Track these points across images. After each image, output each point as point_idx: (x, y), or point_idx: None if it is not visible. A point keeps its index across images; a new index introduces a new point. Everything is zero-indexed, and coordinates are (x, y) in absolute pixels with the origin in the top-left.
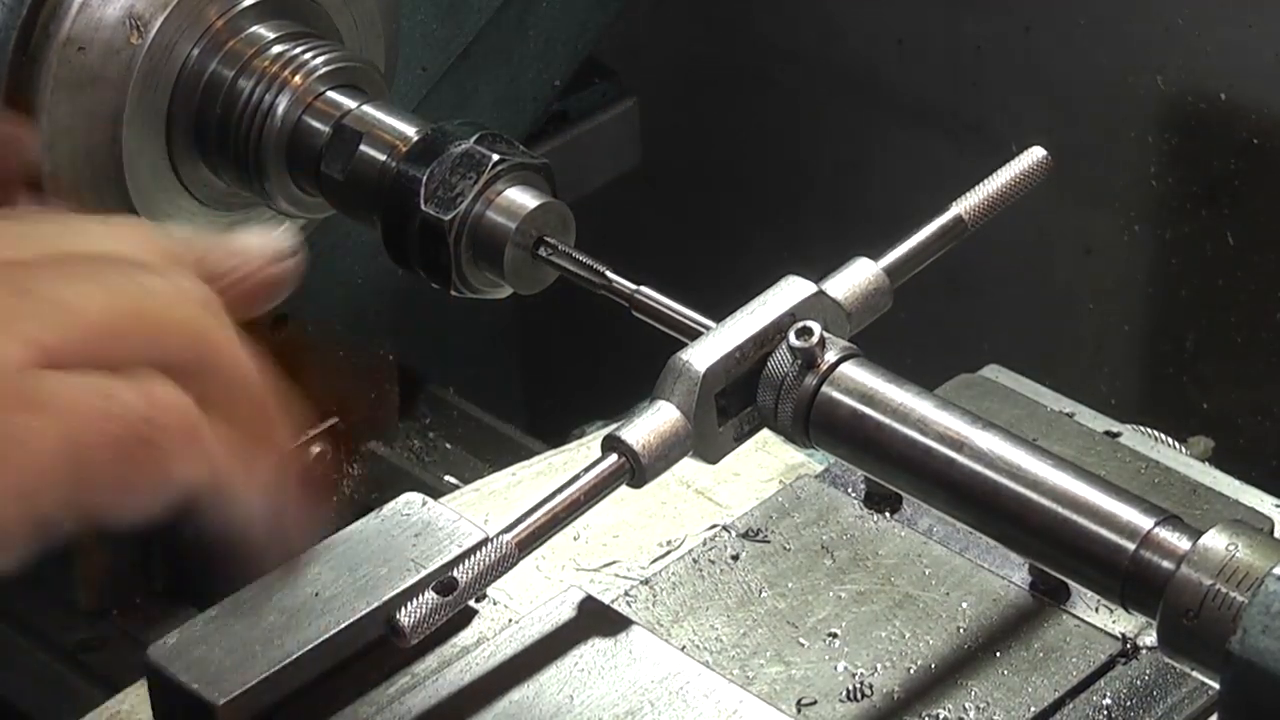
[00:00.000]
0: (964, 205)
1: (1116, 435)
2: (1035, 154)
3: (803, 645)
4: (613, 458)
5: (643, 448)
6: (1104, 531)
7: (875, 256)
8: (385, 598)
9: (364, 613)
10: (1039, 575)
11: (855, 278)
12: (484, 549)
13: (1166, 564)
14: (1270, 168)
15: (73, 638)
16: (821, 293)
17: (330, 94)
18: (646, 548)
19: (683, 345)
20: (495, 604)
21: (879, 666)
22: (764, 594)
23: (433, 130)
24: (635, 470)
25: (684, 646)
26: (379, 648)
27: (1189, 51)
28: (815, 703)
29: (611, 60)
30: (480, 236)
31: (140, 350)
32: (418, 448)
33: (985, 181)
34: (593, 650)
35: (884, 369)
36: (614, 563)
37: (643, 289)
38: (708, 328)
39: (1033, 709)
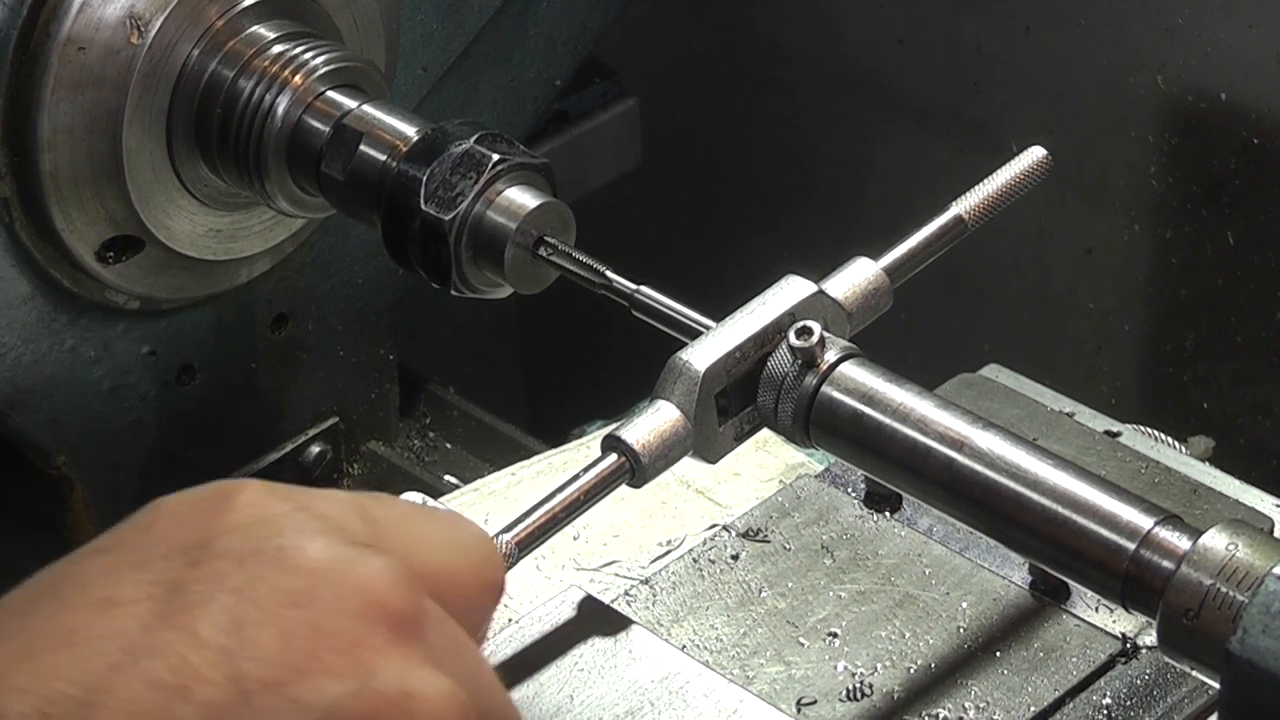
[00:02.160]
0: (964, 205)
1: (1116, 435)
2: (1035, 154)
3: (803, 645)
4: (612, 457)
5: (643, 447)
6: (1104, 531)
7: (875, 256)
8: None
9: None
10: (1039, 575)
11: (855, 277)
12: None
13: (1167, 564)
14: (1270, 168)
15: None
16: (821, 292)
17: (330, 94)
18: (646, 548)
19: (683, 345)
20: None
21: (879, 666)
22: (764, 594)
23: (433, 130)
24: (635, 470)
25: (684, 646)
26: None
27: (1189, 51)
28: (815, 702)
29: (611, 60)
30: (481, 236)
31: None
32: (418, 448)
33: (985, 181)
34: (593, 650)
35: (884, 369)
36: (614, 562)
37: (643, 288)
38: (708, 327)
39: (1033, 709)
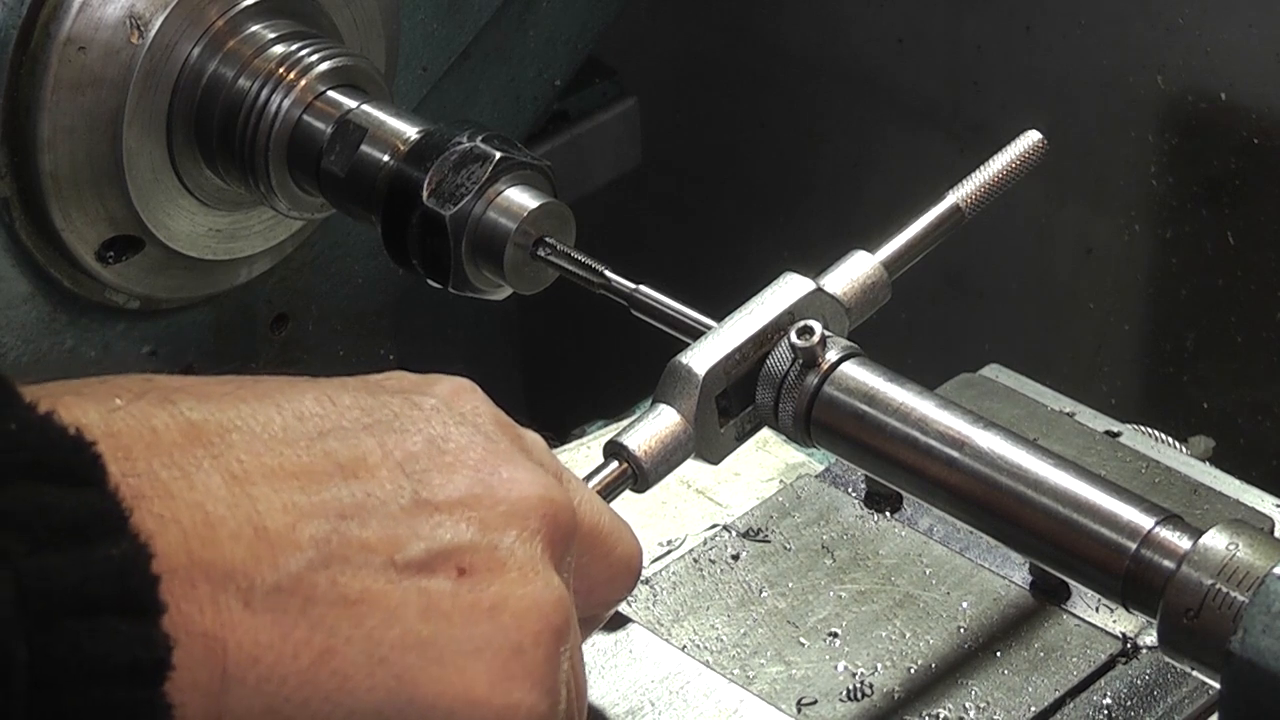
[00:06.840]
0: (960, 193)
1: (1116, 435)
2: (1030, 138)
3: (803, 645)
4: (615, 463)
5: (645, 454)
6: (1105, 531)
7: (873, 252)
8: None
9: None
10: (1039, 575)
11: (853, 272)
12: None
13: (1167, 563)
14: (1270, 168)
15: None
16: (820, 290)
17: (331, 93)
18: (647, 547)
19: (683, 344)
20: None
21: (879, 666)
22: (764, 593)
23: (433, 130)
24: (638, 475)
25: (684, 646)
26: None
27: (1189, 51)
28: (815, 702)
29: (611, 60)
30: (481, 236)
31: None
32: None
33: (981, 168)
34: (593, 650)
35: (885, 368)
36: None
37: (641, 288)
38: (706, 326)
39: (1033, 709)
